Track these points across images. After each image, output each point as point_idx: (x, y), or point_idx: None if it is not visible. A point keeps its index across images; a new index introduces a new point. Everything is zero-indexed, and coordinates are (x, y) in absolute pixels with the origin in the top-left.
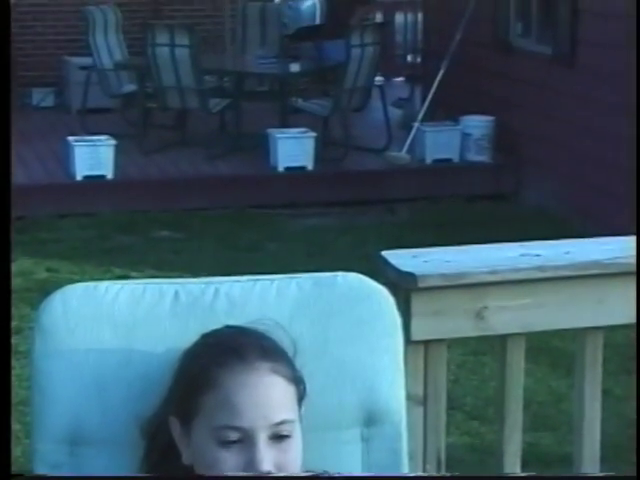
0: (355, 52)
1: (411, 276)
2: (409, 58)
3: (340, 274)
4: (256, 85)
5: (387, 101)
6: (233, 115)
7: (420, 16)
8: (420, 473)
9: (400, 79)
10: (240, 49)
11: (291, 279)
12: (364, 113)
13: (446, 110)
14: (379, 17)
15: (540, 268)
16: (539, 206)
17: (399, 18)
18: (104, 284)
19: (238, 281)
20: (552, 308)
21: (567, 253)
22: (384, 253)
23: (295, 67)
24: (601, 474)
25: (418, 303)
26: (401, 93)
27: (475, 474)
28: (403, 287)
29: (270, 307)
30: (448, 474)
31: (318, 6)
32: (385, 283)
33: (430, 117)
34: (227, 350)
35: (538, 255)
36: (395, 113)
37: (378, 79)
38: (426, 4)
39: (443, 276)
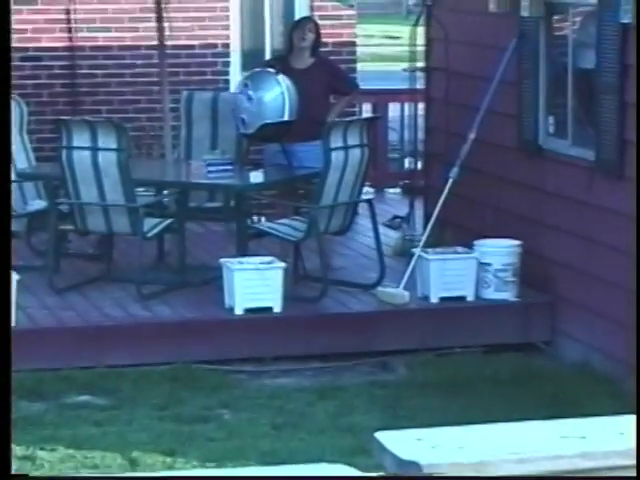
0: (336, 157)
1: (415, 466)
2: (407, 163)
3: (324, 466)
4: (205, 200)
5: (379, 220)
6: (175, 240)
7: (421, 108)
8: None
9: (396, 191)
10: (184, 153)
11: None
12: (348, 237)
13: (457, 232)
14: (367, 109)
15: (586, 455)
16: (581, 360)
17: (394, 110)
18: None
19: None
20: None
21: (622, 434)
22: (379, 436)
23: (257, 177)
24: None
25: None
26: (397, 210)
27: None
28: None
29: None
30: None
31: (287, 97)
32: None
33: (436, 241)
34: None
35: (583, 437)
36: (389, 236)
37: (367, 191)
38: (429, 93)
39: (456, 466)
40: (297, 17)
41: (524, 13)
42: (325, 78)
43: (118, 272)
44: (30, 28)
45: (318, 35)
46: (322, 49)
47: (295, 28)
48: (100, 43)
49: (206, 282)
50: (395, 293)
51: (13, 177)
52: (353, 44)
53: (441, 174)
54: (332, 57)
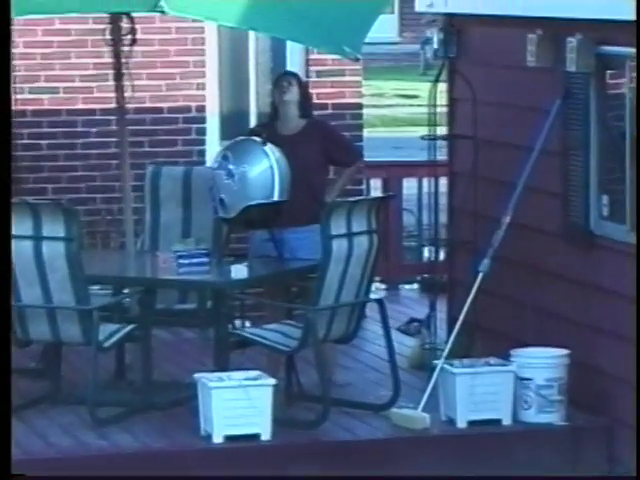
0: (338, 246)
1: None
2: (426, 253)
3: None
4: (175, 301)
5: (392, 325)
6: (138, 351)
7: (444, 184)
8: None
9: (413, 288)
10: (149, 242)
11: None
12: (354, 345)
13: (489, 339)
14: (377, 186)
15: None
16: None
17: (409, 188)
18: None
19: None
20: None
21: None
22: None
23: (239, 272)
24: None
25: None
26: (415, 311)
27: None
28: None
29: None
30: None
31: (277, 171)
32: None
33: (463, 351)
34: None
35: None
36: (405, 345)
37: (377, 288)
38: (453, 165)
39: None
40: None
41: (570, 68)
42: (320, 145)
43: (67, 391)
44: None
45: (305, 92)
46: (320, 112)
47: (274, 86)
48: (45, 107)
49: (177, 403)
50: (413, 416)
51: None
52: (359, 106)
53: (469, 267)
54: (334, 122)
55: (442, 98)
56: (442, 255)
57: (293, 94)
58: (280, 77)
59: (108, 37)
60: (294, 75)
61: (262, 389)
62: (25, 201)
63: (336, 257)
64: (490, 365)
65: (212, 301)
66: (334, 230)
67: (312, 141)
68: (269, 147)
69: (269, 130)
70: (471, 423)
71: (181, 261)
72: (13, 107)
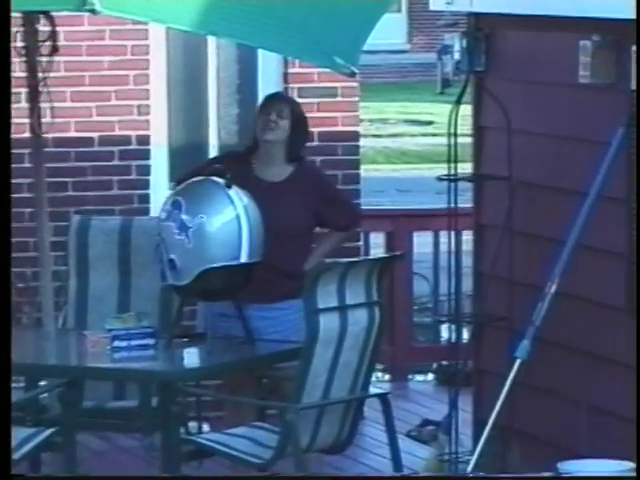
0: (327, 323)
1: None
2: (445, 332)
3: None
4: (109, 397)
5: (399, 428)
6: (59, 463)
7: (468, 240)
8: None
9: (427, 379)
10: (75, 318)
11: None
12: (349, 457)
13: (529, 448)
14: (379, 242)
15: None
16: None
17: (422, 244)
18: None
19: None
20: None
21: None
22: None
23: (194, 357)
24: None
25: None
26: (429, 410)
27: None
28: None
29: None
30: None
31: (245, 224)
32: None
33: (495, 464)
34: None
35: None
36: (417, 455)
37: (379, 379)
38: (480, 215)
39: None
40: (267, 93)
41: (636, 86)
42: (311, 202)
43: None
44: None
45: (300, 128)
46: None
47: (261, 110)
48: None
49: None
50: None
51: None
52: (355, 135)
53: (502, 351)
54: (322, 157)
55: (466, 125)
56: (465, 335)
57: (280, 132)
58: (269, 102)
59: (20, 44)
60: (289, 102)
61: None
62: None
63: (324, 338)
64: None
65: (158, 397)
66: (322, 302)
67: (300, 196)
68: (235, 191)
69: (241, 167)
70: None
71: (117, 343)
72: None
